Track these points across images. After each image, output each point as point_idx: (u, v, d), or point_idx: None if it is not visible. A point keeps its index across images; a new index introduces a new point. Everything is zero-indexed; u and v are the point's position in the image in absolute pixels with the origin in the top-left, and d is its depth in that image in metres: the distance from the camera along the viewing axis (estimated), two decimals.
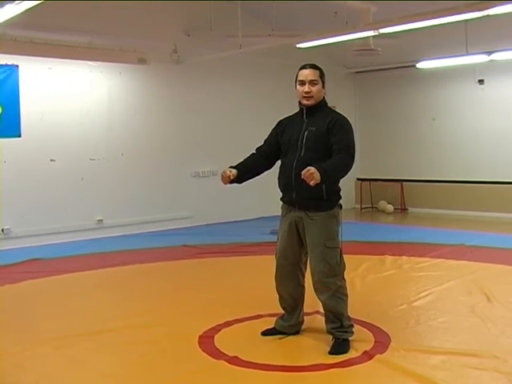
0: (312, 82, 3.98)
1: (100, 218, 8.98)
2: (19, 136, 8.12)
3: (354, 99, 12.65)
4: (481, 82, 10.77)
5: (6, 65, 7.95)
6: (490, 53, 8.91)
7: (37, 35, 7.83)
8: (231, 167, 4.05)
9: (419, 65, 10.16)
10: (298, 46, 8.42)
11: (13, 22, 5.89)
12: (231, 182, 4.03)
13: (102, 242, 8.38)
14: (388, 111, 12.19)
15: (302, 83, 4.00)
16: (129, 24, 8.89)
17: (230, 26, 8.50)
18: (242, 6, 8.26)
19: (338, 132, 3.89)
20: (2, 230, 8.02)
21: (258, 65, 10.56)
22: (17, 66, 8.03)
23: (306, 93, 3.99)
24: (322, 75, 4.03)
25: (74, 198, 8.69)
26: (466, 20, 7.05)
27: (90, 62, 8.70)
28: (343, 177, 3.86)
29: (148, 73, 9.35)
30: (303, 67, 4.05)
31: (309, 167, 3.60)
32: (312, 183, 3.58)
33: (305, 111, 4.06)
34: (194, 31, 9.60)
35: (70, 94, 8.65)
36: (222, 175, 4.01)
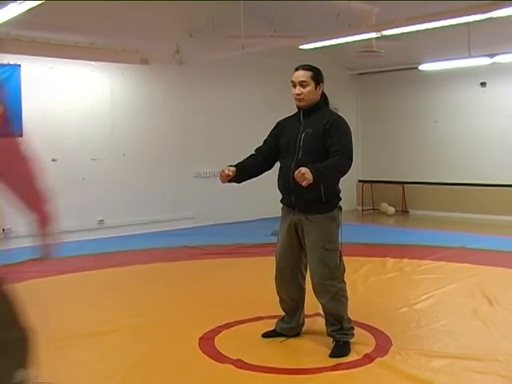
0: (302, 84, 3.91)
1: (101, 219, 8.97)
2: (21, 135, 8.03)
3: (356, 101, 12.64)
4: (483, 84, 10.76)
5: (9, 64, 7.94)
6: (492, 55, 8.91)
7: (39, 35, 7.85)
8: (230, 166, 4.01)
9: (422, 67, 10.16)
10: (300, 47, 8.42)
11: (15, 22, 5.89)
12: (230, 180, 3.98)
13: (102, 243, 8.36)
14: (390, 113, 12.17)
15: (293, 85, 3.96)
16: (131, 24, 8.88)
17: (233, 26, 8.49)
18: (244, 7, 8.26)
19: (334, 133, 3.83)
20: (4, 230, 8.01)
21: (261, 66, 10.55)
22: (19, 66, 8.03)
23: (296, 94, 3.94)
24: (315, 76, 3.94)
25: (75, 198, 8.65)
26: (469, 22, 7.05)
27: (93, 62, 8.70)
28: (340, 177, 3.84)
29: (150, 73, 9.34)
30: (296, 68, 4.00)
31: (300, 168, 3.57)
32: (304, 184, 3.53)
33: (302, 113, 4.02)
34: (197, 32, 9.60)
35: (71, 93, 8.65)
36: (221, 174, 3.95)
